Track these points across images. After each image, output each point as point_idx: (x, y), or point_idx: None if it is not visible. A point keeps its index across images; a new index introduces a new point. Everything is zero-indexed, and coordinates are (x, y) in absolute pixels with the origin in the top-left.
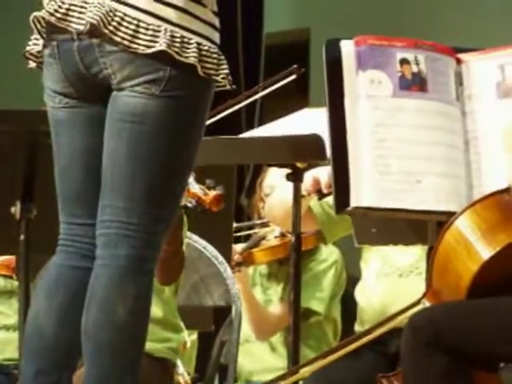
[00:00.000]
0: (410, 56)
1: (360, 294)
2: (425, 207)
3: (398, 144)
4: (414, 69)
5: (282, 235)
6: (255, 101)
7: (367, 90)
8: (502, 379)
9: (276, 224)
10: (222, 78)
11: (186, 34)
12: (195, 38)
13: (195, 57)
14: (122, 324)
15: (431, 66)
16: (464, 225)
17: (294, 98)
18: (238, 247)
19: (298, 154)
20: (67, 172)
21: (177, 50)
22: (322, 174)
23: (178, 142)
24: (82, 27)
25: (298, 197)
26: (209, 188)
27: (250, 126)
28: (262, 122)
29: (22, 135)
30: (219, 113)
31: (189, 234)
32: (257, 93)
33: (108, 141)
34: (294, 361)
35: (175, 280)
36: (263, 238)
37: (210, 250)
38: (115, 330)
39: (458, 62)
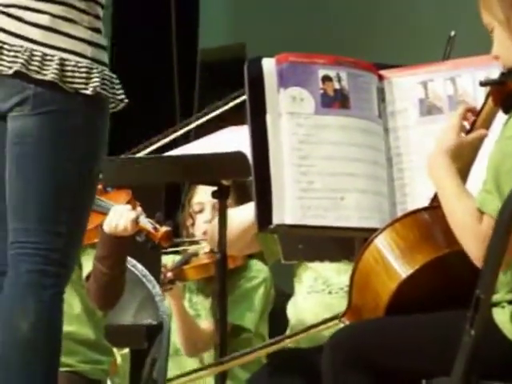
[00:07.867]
0: (331, 73)
1: (291, 310)
2: (347, 224)
3: (320, 161)
4: (336, 85)
5: (212, 251)
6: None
7: (289, 108)
8: None
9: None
10: (94, 90)
11: (48, 51)
12: (59, 55)
13: (55, 73)
14: (25, 340)
15: (353, 83)
16: (383, 243)
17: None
18: (169, 263)
19: (223, 171)
20: None
21: (35, 68)
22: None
23: (62, 157)
24: None
25: (223, 214)
26: (159, 222)
27: (187, 142)
28: (198, 138)
29: None
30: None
31: None
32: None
33: (7, 166)
34: (222, 378)
35: (114, 306)
36: (194, 254)
37: (140, 269)
38: (19, 347)
39: (381, 78)
